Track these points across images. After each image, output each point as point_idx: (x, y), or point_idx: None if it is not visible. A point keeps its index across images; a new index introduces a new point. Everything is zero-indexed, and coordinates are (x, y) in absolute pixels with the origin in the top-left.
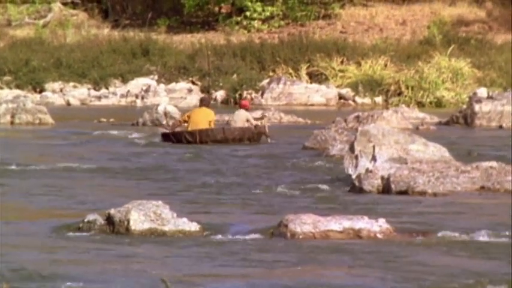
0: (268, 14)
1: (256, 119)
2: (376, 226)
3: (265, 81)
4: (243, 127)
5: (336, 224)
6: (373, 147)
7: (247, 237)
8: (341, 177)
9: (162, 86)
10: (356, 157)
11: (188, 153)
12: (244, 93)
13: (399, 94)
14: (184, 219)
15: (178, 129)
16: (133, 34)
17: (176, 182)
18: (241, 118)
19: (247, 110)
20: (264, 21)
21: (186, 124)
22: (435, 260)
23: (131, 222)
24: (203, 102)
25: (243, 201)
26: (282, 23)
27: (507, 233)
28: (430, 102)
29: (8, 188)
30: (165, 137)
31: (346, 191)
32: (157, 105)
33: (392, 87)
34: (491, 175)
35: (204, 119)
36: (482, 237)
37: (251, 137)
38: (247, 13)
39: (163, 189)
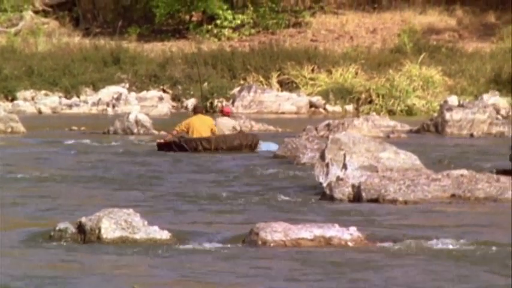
0: (238, 22)
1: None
2: (347, 234)
3: (236, 90)
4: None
5: (307, 232)
6: (344, 155)
7: (217, 245)
8: (312, 186)
9: (133, 94)
10: (327, 165)
11: (162, 161)
12: (215, 102)
13: (370, 102)
14: (155, 228)
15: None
16: (104, 42)
17: (148, 190)
18: (227, 126)
19: (229, 117)
20: (234, 29)
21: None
22: (405, 268)
23: (102, 231)
24: (198, 110)
25: (214, 209)
26: (253, 31)
27: (473, 240)
28: (401, 110)
29: None
30: (166, 146)
31: (317, 199)
32: (129, 113)
33: (363, 95)
34: (462, 183)
35: (207, 127)
36: (452, 245)
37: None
38: (218, 21)
39: (135, 197)
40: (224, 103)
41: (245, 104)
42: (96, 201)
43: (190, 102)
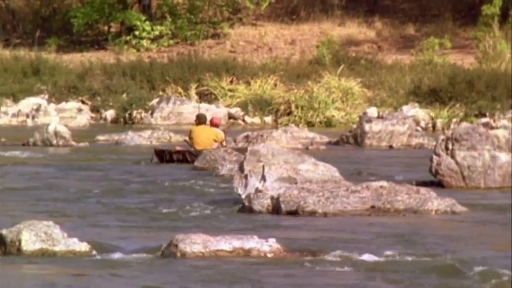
0: (157, 33)
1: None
2: (266, 246)
3: (154, 101)
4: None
5: (226, 243)
6: (263, 167)
7: (137, 256)
8: (231, 197)
9: (52, 105)
10: (246, 177)
11: (83, 172)
12: (134, 113)
13: (289, 114)
14: (75, 240)
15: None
16: (24, 53)
17: (68, 201)
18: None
19: (217, 128)
20: (153, 40)
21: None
22: (324, 280)
23: (23, 243)
24: (201, 120)
25: (134, 220)
26: (171, 42)
27: (393, 252)
28: (320, 122)
29: None
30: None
31: (236, 211)
32: (48, 125)
33: (282, 107)
34: (381, 195)
35: (207, 139)
36: (370, 257)
37: None
38: (137, 32)
39: (55, 209)
40: (143, 114)
41: (164, 115)
42: (16, 213)
43: (109, 114)
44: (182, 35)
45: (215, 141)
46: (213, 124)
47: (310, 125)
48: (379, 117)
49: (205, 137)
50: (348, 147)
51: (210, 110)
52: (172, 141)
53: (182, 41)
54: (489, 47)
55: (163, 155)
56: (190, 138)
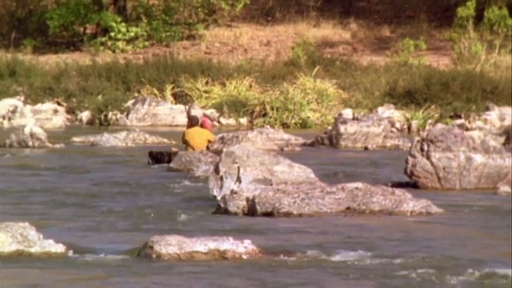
0: (132, 34)
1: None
2: (241, 247)
3: (130, 102)
4: None
5: (201, 245)
6: (238, 168)
7: (112, 258)
8: (206, 199)
9: (28, 107)
10: (221, 178)
11: (58, 174)
12: (110, 114)
13: (264, 115)
14: (50, 241)
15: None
16: (0, 54)
17: (44, 202)
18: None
19: (210, 130)
20: (128, 41)
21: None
22: (299, 280)
23: None
24: (193, 122)
25: (110, 222)
26: (147, 43)
27: (368, 253)
28: (295, 124)
29: None
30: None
31: (211, 212)
32: (24, 126)
33: (257, 108)
34: (356, 196)
35: (203, 140)
36: (344, 257)
37: None
38: (112, 33)
39: (31, 210)
40: (118, 116)
41: (139, 116)
42: None
43: (85, 115)
44: (157, 36)
45: (209, 142)
46: (204, 127)
47: (285, 126)
48: (354, 118)
49: (201, 139)
50: (323, 149)
51: (185, 112)
52: (148, 143)
53: (157, 42)
54: (464, 49)
55: (161, 157)
56: (185, 141)
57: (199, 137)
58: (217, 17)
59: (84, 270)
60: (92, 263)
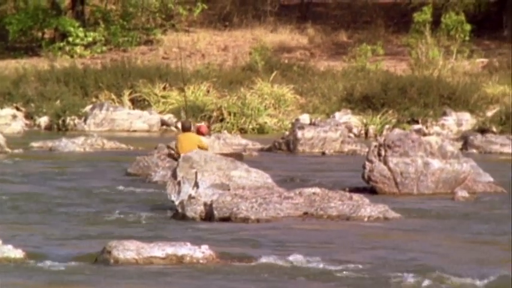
0: (90, 39)
1: None
2: (198, 252)
3: (88, 107)
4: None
5: (159, 250)
6: (196, 173)
7: (70, 264)
8: (164, 204)
9: None
10: (179, 183)
11: (18, 179)
12: (68, 120)
13: (222, 120)
14: (10, 246)
15: None
16: None
17: (4, 208)
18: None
19: (204, 136)
20: (86, 46)
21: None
22: (256, 285)
23: None
24: (185, 127)
25: (68, 227)
26: (105, 48)
27: (325, 258)
28: (253, 129)
29: None
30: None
31: (169, 217)
32: None
33: (214, 113)
34: (314, 201)
35: (190, 144)
36: (301, 262)
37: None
38: (70, 38)
39: None
40: (76, 121)
41: (97, 122)
42: None
43: (43, 120)
44: (115, 41)
45: (199, 147)
46: (200, 132)
47: (242, 131)
48: (312, 123)
49: (188, 143)
50: (280, 154)
51: (142, 117)
52: (106, 148)
53: (115, 48)
54: (421, 54)
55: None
56: (176, 147)
57: (186, 141)
58: (175, 22)
59: (42, 276)
60: (49, 269)
